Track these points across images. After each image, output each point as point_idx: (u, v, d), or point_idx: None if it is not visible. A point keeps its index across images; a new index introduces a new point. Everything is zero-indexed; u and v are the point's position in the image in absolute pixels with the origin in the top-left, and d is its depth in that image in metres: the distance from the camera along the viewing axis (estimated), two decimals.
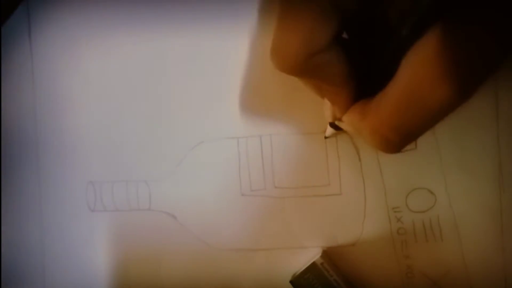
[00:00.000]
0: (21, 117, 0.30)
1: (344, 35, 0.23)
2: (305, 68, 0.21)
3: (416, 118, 0.20)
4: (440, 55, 0.18)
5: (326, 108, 0.25)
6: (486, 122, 0.27)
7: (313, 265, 0.27)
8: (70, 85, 0.30)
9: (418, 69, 0.19)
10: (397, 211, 0.28)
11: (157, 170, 0.30)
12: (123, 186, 0.30)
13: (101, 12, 0.29)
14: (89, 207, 0.30)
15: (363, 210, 0.28)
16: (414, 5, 0.19)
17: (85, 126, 0.30)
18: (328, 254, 0.28)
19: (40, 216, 0.30)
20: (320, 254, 0.28)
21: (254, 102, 0.29)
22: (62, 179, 0.30)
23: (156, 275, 0.30)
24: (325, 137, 0.28)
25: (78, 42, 0.30)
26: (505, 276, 0.28)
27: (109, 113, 0.30)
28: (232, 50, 0.29)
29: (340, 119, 0.24)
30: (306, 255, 0.28)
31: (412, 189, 0.28)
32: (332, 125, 0.26)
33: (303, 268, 0.27)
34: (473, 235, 0.28)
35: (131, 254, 0.30)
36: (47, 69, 0.30)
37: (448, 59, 0.18)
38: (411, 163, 0.27)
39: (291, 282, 0.28)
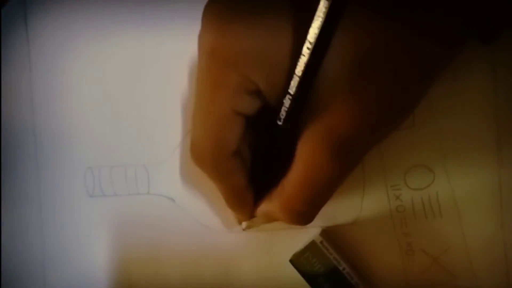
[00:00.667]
0: (18, 104, 0.30)
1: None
2: (217, 169, 0.25)
3: (318, 189, 0.23)
4: (328, 134, 0.22)
5: (230, 214, 0.28)
6: (484, 98, 0.27)
7: (312, 244, 0.27)
8: (67, 71, 0.30)
9: (312, 148, 0.22)
10: (396, 188, 0.28)
11: (155, 154, 0.30)
12: (121, 171, 0.30)
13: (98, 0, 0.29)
14: (88, 193, 0.30)
15: (362, 189, 0.28)
16: (281, 103, 0.22)
17: (82, 111, 0.30)
18: (327, 233, 0.28)
19: (39, 202, 0.30)
20: (319, 233, 0.28)
21: None
22: (60, 165, 0.30)
23: (156, 259, 0.30)
24: (243, 230, 0.29)
25: (74, 29, 0.30)
26: (505, 252, 0.27)
27: (106, 98, 0.30)
28: None
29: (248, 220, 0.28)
30: (306, 235, 0.28)
31: (410, 167, 0.28)
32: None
33: (302, 246, 0.27)
34: (473, 211, 0.28)
35: (130, 238, 0.30)
36: (44, 55, 0.30)
37: (335, 136, 0.22)
38: (409, 141, 0.27)
39: (290, 261, 0.28)
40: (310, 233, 0.28)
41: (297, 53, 0.21)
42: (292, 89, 0.22)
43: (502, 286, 0.28)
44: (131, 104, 0.30)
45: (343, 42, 0.21)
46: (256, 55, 0.22)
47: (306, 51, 0.20)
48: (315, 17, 0.20)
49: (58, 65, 0.30)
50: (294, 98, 0.22)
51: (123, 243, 0.30)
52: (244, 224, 0.28)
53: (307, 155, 0.23)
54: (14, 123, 0.30)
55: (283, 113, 0.23)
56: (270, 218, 0.27)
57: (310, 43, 0.20)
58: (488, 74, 0.27)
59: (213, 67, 0.23)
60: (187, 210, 0.29)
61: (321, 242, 0.28)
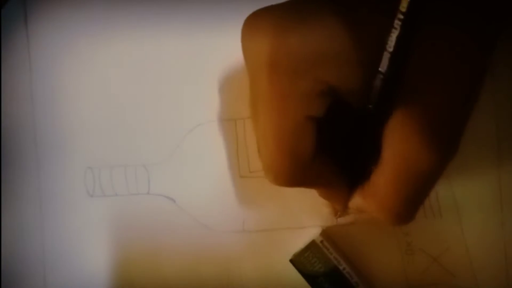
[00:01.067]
0: (18, 104, 0.30)
1: None
2: (301, 180, 0.23)
3: (416, 186, 0.21)
4: (416, 126, 0.20)
5: (325, 205, 0.27)
6: (484, 98, 0.27)
7: (312, 243, 0.27)
8: (67, 71, 0.30)
9: (405, 141, 0.20)
10: None
11: (156, 154, 0.30)
12: (121, 171, 0.30)
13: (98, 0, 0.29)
14: (88, 193, 0.30)
15: None
16: (373, 83, 0.21)
17: (82, 111, 0.30)
18: (327, 233, 0.28)
19: (39, 202, 0.30)
20: (319, 233, 0.28)
21: None
22: (60, 165, 0.30)
23: (156, 258, 0.30)
24: (337, 219, 0.29)
25: (74, 29, 0.30)
26: (505, 251, 0.28)
27: (107, 98, 0.30)
28: (227, 35, 0.29)
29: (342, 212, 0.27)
30: (306, 235, 0.28)
31: None
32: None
33: (303, 246, 0.28)
34: (473, 211, 0.28)
35: (130, 238, 0.30)
36: (44, 55, 0.30)
37: (424, 126, 0.20)
38: None
39: (291, 261, 0.28)
40: (310, 233, 0.28)
41: (356, 43, 0.20)
42: (384, 67, 0.20)
43: (502, 286, 0.28)
44: (131, 104, 0.30)
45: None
46: (319, 54, 0.21)
47: (397, 23, 0.19)
48: None
49: (58, 65, 0.30)
50: (386, 76, 0.20)
51: (123, 243, 0.30)
52: (339, 214, 0.28)
53: (398, 145, 0.21)
54: (14, 123, 0.30)
55: (374, 94, 0.21)
56: (363, 212, 0.25)
57: (402, 13, 0.19)
58: (488, 75, 0.27)
59: (277, 79, 0.22)
60: (187, 210, 0.29)
61: (321, 242, 0.28)
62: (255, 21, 0.22)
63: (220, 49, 0.29)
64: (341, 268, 0.27)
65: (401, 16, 0.19)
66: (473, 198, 0.28)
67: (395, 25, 0.19)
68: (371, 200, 0.23)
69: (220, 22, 0.29)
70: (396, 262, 0.28)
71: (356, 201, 0.24)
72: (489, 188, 0.27)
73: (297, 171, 0.23)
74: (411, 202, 0.22)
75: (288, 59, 0.21)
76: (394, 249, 0.28)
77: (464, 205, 0.28)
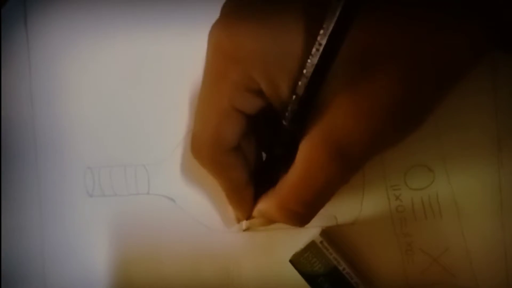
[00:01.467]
0: (18, 104, 0.30)
1: None
2: (215, 163, 0.25)
3: (316, 191, 0.23)
4: (329, 137, 0.22)
5: (230, 212, 0.28)
6: (483, 98, 0.27)
7: (312, 244, 0.27)
8: (67, 71, 0.30)
9: (310, 154, 0.22)
10: (396, 189, 0.28)
11: (155, 154, 0.30)
12: (121, 171, 0.30)
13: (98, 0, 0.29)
14: (87, 193, 0.30)
15: (361, 189, 0.28)
16: (289, 102, 0.22)
17: (82, 111, 0.30)
18: (327, 233, 0.28)
19: (39, 202, 0.30)
20: (319, 233, 0.28)
21: None
22: (60, 165, 0.30)
23: (155, 259, 0.30)
24: (243, 230, 0.29)
25: (74, 29, 0.30)
26: (505, 252, 0.28)
27: (106, 98, 0.30)
28: None
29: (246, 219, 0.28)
30: (306, 235, 0.28)
31: (410, 167, 0.28)
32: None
33: (302, 247, 0.27)
34: (473, 212, 0.28)
35: (130, 238, 0.30)
36: (44, 55, 0.30)
37: (329, 142, 0.22)
38: (410, 141, 0.27)
39: (290, 261, 0.28)
40: (310, 233, 0.28)
41: (305, 55, 0.21)
42: (300, 90, 0.21)
43: (502, 286, 0.28)
44: (131, 104, 0.30)
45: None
46: (261, 55, 0.22)
47: (315, 52, 0.20)
48: (326, 18, 0.19)
49: (58, 65, 0.30)
50: (301, 99, 0.21)
51: (123, 243, 0.30)
52: (244, 224, 0.28)
53: (305, 155, 0.22)
54: (14, 123, 0.30)
55: (289, 113, 0.22)
56: (267, 219, 0.26)
57: (320, 44, 0.20)
58: (488, 74, 0.27)
59: (216, 60, 0.23)
60: (187, 210, 0.29)
61: (321, 242, 0.28)
62: (224, 5, 0.23)
63: None
64: (340, 268, 0.27)
65: (319, 47, 0.20)
66: (473, 198, 0.28)
67: (313, 53, 0.20)
68: (273, 201, 0.24)
69: None
70: (396, 262, 0.28)
71: (259, 206, 0.26)
72: (489, 188, 0.27)
73: (213, 151, 0.24)
74: (311, 205, 0.24)
75: (230, 46, 0.22)
76: (394, 249, 0.28)
77: (464, 205, 0.28)
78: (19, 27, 0.30)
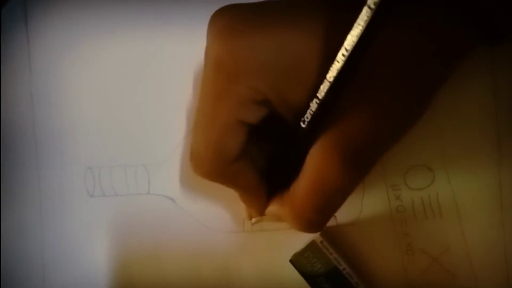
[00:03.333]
0: (18, 104, 0.30)
1: None
2: (219, 175, 0.24)
3: (329, 198, 0.23)
4: (341, 142, 0.22)
5: (243, 208, 0.28)
6: (483, 98, 0.27)
7: (312, 243, 0.27)
8: (67, 71, 0.30)
9: (324, 156, 0.22)
10: (396, 189, 0.28)
11: (156, 154, 0.30)
12: (121, 171, 0.30)
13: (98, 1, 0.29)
14: (88, 193, 0.30)
15: (361, 189, 0.28)
16: (307, 104, 0.22)
17: (82, 111, 0.30)
18: (327, 233, 0.28)
19: (40, 202, 0.30)
20: (319, 233, 0.28)
21: None
22: (60, 165, 0.30)
23: (156, 258, 0.30)
24: (252, 224, 0.29)
25: (74, 29, 0.30)
26: (505, 252, 0.28)
27: (106, 98, 0.30)
28: None
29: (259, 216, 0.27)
30: (306, 236, 0.28)
31: (410, 167, 0.28)
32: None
33: (303, 246, 0.27)
34: (473, 211, 0.28)
35: (130, 238, 0.30)
36: (44, 55, 0.30)
37: (347, 144, 0.22)
38: (410, 141, 0.27)
39: (291, 261, 0.28)
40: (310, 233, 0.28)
41: (304, 64, 0.21)
42: (321, 93, 0.21)
43: (502, 286, 0.28)
44: (131, 104, 0.30)
45: None
46: (265, 66, 0.22)
47: (341, 57, 0.20)
48: (355, 25, 0.19)
49: (58, 65, 0.30)
50: (321, 103, 0.21)
51: (123, 243, 0.30)
52: (254, 219, 0.28)
53: (317, 162, 0.22)
54: (14, 123, 0.30)
55: (308, 116, 0.22)
56: (279, 219, 0.26)
57: (346, 50, 0.20)
58: (488, 74, 0.27)
59: (219, 78, 0.22)
60: (187, 210, 0.30)
61: (321, 242, 0.28)
62: (217, 17, 0.23)
63: None
64: (341, 268, 0.27)
65: (345, 52, 0.20)
66: (473, 198, 0.28)
67: (338, 58, 0.20)
68: (287, 207, 0.24)
69: None
70: (396, 262, 0.28)
71: (273, 208, 0.26)
72: (489, 188, 0.27)
73: (217, 167, 0.24)
74: (323, 211, 0.23)
75: (231, 60, 0.22)
76: (394, 249, 0.28)
77: (464, 205, 0.28)
78: (20, 27, 0.30)
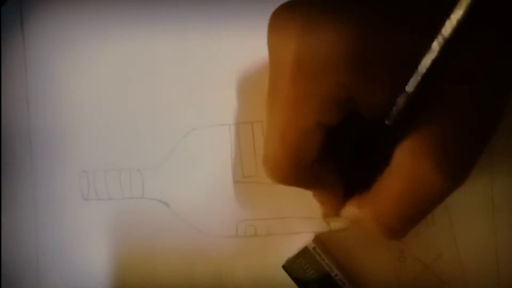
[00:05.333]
0: (14, 107, 0.30)
1: None
2: (297, 180, 0.23)
3: (417, 206, 0.21)
4: (435, 145, 0.20)
5: (319, 207, 0.27)
6: None
7: (305, 250, 0.27)
8: (62, 73, 0.30)
9: (416, 161, 0.20)
10: None
11: (150, 158, 0.30)
12: (116, 175, 0.30)
13: (94, 1, 0.29)
14: (82, 196, 0.30)
15: None
16: (390, 100, 0.20)
17: (77, 115, 0.30)
18: (320, 239, 0.28)
19: (34, 205, 0.30)
20: (312, 240, 0.28)
21: (245, 89, 0.29)
22: (55, 169, 0.30)
23: (150, 263, 0.30)
24: (330, 227, 0.28)
25: (70, 30, 0.30)
26: (497, 259, 0.28)
27: (101, 101, 0.30)
28: (223, 38, 0.29)
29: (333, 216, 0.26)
30: (299, 241, 0.28)
31: None
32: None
33: (295, 252, 0.28)
34: (465, 218, 0.28)
35: (125, 242, 0.30)
36: (39, 57, 0.30)
37: (440, 151, 0.20)
38: None
39: (283, 267, 0.28)
40: (303, 239, 0.28)
41: (386, 56, 0.19)
42: (411, 87, 0.19)
43: None
44: (126, 108, 0.30)
45: None
46: (347, 59, 0.20)
47: (436, 46, 0.18)
48: (455, 9, 0.17)
49: (54, 67, 0.30)
50: (412, 98, 0.20)
51: (118, 247, 0.30)
52: (332, 224, 0.28)
53: (409, 168, 0.20)
54: (9, 126, 0.30)
55: (394, 113, 0.20)
56: (356, 221, 0.24)
57: (444, 38, 0.18)
58: None
59: (299, 79, 0.21)
60: (181, 215, 0.30)
61: (314, 248, 0.28)
62: (283, 16, 0.21)
63: (216, 53, 0.29)
64: (333, 274, 0.27)
65: (441, 40, 0.18)
66: (465, 206, 0.28)
67: (433, 48, 0.18)
68: (368, 210, 0.22)
69: (216, 25, 0.29)
70: (389, 269, 0.28)
71: (350, 209, 0.24)
72: (481, 195, 0.27)
73: (295, 172, 0.22)
74: (409, 220, 0.22)
75: (313, 59, 0.20)
76: (386, 256, 0.28)
77: (456, 212, 0.28)
78: (15, 28, 0.30)
